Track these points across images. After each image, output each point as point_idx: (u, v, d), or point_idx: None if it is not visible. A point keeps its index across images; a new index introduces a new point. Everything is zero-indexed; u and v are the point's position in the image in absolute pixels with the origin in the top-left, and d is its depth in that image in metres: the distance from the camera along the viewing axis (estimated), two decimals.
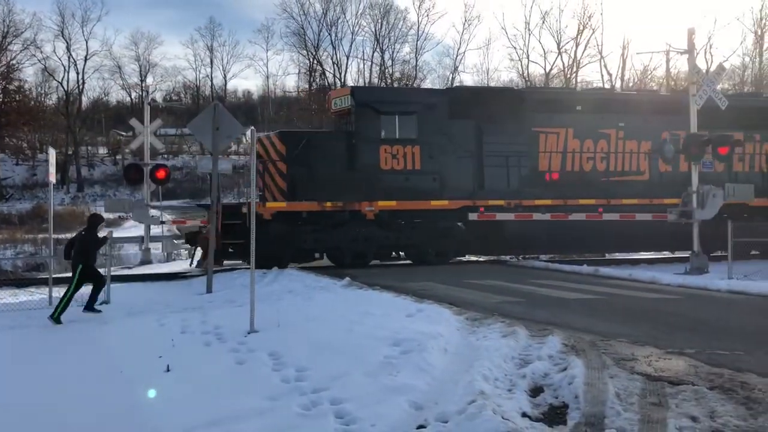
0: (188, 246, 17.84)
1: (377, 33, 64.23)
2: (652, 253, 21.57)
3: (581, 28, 58.07)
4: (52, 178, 13.83)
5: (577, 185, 18.30)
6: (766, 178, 19.76)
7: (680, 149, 16.72)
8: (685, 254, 17.23)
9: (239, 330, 8.45)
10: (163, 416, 5.52)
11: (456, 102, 17.89)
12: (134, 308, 11.36)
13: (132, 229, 27.45)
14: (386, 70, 64.22)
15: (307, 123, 60.95)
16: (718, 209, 15.92)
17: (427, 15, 70.66)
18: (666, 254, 20.87)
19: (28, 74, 70.80)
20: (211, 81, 73.78)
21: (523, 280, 13.78)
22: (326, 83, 65.18)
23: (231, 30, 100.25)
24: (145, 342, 8.48)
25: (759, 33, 53.83)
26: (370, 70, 65.26)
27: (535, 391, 5.67)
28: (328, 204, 16.75)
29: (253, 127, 10.43)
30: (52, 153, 14.10)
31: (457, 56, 66.81)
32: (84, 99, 68.33)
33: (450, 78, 64.29)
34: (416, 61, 64.79)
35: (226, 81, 75.44)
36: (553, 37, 60.88)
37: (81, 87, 65.22)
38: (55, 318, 10.45)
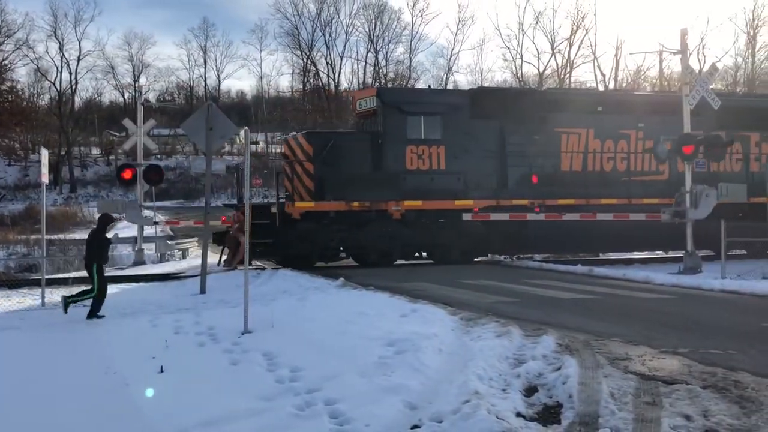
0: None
1: (371, 33, 64.40)
2: (645, 252, 21.67)
3: (575, 28, 58.44)
4: (45, 178, 13.76)
5: (598, 185, 18.57)
6: None
7: (674, 150, 16.74)
8: (679, 254, 17.29)
9: (233, 330, 8.43)
10: (156, 417, 5.50)
11: (479, 103, 18.18)
12: (127, 309, 11.30)
13: (125, 229, 27.37)
14: (380, 71, 64.30)
15: (300, 123, 60.95)
16: (711, 209, 15.98)
17: (421, 15, 70.98)
18: (659, 254, 20.97)
19: (21, 74, 70.89)
20: (205, 81, 73.80)
21: (517, 280, 13.80)
22: (320, 83, 65.25)
23: (224, 30, 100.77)
24: (138, 343, 8.44)
25: (751, 34, 54.23)
26: (364, 70, 65.40)
27: (530, 391, 5.67)
28: (355, 204, 17.05)
29: (246, 128, 10.40)
30: (44, 153, 14.02)
31: (451, 57, 67.15)
32: (77, 99, 68.27)
33: (444, 78, 64.53)
34: (410, 61, 65.01)
35: (219, 81, 75.52)
36: (547, 37, 61.32)
37: (74, 87, 65.16)
38: (69, 301, 10.73)
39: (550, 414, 5.16)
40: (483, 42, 78.33)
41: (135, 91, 66.29)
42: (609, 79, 57.43)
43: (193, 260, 19.85)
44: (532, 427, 4.83)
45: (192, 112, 18.46)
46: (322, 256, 17.37)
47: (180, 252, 22.85)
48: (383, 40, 64.73)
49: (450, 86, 59.86)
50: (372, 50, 64.58)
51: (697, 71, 17.71)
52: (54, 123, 60.75)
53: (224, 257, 17.43)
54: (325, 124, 54.58)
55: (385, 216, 17.29)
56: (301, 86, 66.99)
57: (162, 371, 6.82)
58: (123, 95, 74.05)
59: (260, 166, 54.82)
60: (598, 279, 14.43)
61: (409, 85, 57.16)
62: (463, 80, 71.08)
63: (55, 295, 12.78)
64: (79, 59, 63.46)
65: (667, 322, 8.74)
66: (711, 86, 16.44)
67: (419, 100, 18.49)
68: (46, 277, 12.99)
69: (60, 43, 62.66)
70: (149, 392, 6.15)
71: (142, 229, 20.00)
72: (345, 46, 65.30)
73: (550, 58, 60.45)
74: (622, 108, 19.15)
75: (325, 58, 64.72)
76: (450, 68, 66.06)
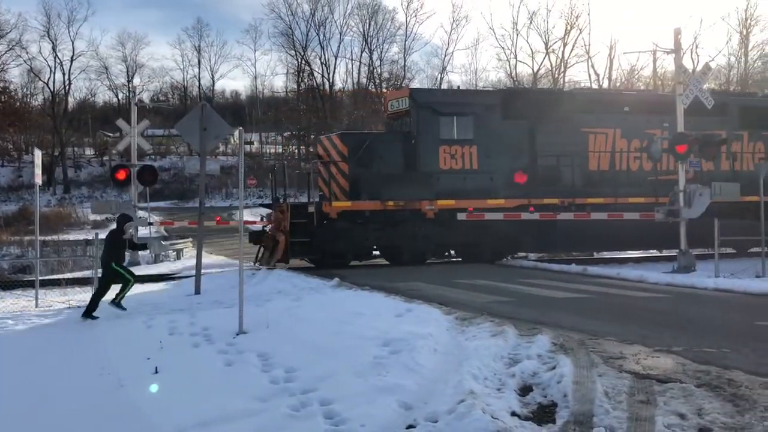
0: (253, 245, 17.97)
1: (365, 33, 64.43)
2: (639, 251, 21.74)
3: (568, 28, 58.61)
4: (38, 179, 13.72)
5: (625, 184, 18.75)
6: None
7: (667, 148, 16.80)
8: (673, 253, 17.34)
9: (228, 331, 8.41)
10: (151, 418, 5.49)
11: (509, 103, 18.44)
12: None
13: None
14: (374, 71, 64.33)
15: (295, 123, 60.97)
16: (705, 208, 16.02)
17: (416, 15, 71.13)
18: (653, 252, 21.02)
19: (14, 75, 70.62)
20: (199, 81, 73.59)
21: (512, 280, 13.82)
22: (314, 83, 65.21)
23: (218, 30, 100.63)
24: (133, 344, 8.42)
25: (744, 33, 54.49)
26: (359, 70, 65.45)
27: (525, 390, 5.68)
28: (390, 203, 17.28)
29: (240, 128, 10.39)
30: (38, 154, 13.99)
31: (445, 56, 67.24)
32: (70, 100, 68.06)
33: (438, 78, 64.60)
34: (404, 61, 65.07)
35: (213, 81, 75.36)
36: (541, 37, 61.56)
37: (67, 87, 64.93)
38: (117, 303, 10.98)
39: (544, 413, 5.16)
40: (477, 42, 78.77)
41: (129, 91, 66.29)
42: (603, 78, 57.66)
43: (188, 261, 19.82)
44: (527, 427, 4.84)
45: (186, 113, 18.44)
46: (357, 255, 17.61)
47: (175, 252, 22.82)
48: (377, 39, 64.84)
49: (444, 86, 59.97)
50: (366, 50, 64.68)
51: (690, 70, 17.78)
52: (47, 123, 60.54)
53: (260, 256, 17.52)
54: (320, 124, 54.57)
55: (418, 215, 17.51)
56: (296, 86, 66.97)
57: (157, 372, 6.80)
58: (117, 95, 73.87)
59: (254, 165, 54.78)
60: (592, 278, 14.47)
61: (404, 85, 57.19)
62: (457, 80, 71.03)
63: (49, 296, 12.75)
64: (72, 59, 63.33)
65: (662, 321, 8.77)
66: (705, 85, 16.50)
67: (451, 100, 18.69)
68: (40, 278, 12.93)
69: (53, 43, 62.54)
70: (144, 393, 6.14)
71: (137, 230, 19.94)
72: (339, 46, 65.41)
73: (544, 58, 60.70)
74: (648, 108, 19.30)
75: (320, 58, 64.76)
76: (444, 68, 66.23)
